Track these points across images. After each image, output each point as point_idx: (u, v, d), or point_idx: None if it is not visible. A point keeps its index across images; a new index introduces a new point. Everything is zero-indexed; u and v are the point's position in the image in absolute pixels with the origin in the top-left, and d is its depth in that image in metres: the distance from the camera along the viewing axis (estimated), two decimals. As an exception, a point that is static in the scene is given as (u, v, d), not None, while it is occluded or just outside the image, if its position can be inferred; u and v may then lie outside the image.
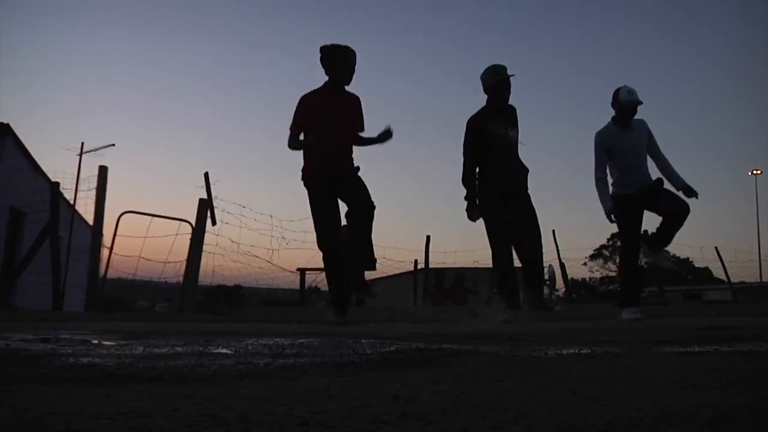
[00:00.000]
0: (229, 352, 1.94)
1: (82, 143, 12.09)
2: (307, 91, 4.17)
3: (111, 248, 8.31)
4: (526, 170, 4.48)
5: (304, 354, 1.86)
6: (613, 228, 4.66)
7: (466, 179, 4.36)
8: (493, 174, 4.32)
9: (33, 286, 9.26)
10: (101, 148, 11.88)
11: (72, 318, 5.22)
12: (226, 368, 1.49)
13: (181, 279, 8.11)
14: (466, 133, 4.36)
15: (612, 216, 4.54)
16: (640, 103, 4.51)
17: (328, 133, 4.05)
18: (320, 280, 10.79)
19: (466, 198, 4.36)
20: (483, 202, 4.35)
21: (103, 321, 4.83)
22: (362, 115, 4.26)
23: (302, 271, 10.49)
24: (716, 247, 12.28)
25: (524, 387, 1.16)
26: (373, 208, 4.11)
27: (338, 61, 4.07)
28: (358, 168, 4.20)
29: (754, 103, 61.41)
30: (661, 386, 1.15)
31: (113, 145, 11.99)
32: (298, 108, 4.15)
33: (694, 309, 6.41)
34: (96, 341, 2.47)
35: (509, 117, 4.40)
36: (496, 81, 4.32)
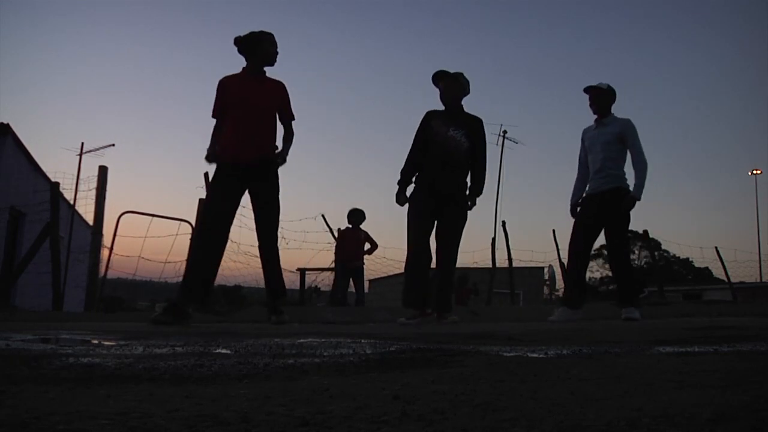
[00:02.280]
0: (229, 352, 1.94)
1: (82, 143, 12.14)
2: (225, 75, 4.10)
3: (111, 248, 8.31)
4: (463, 180, 4.40)
5: (304, 354, 1.86)
6: None
7: (404, 166, 4.42)
8: (426, 169, 4.35)
9: (33, 286, 9.26)
10: (101, 148, 11.92)
11: (72, 318, 5.22)
12: (226, 368, 1.49)
13: (181, 279, 8.10)
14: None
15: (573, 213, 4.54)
16: (591, 87, 4.45)
17: (246, 116, 3.96)
18: (320, 280, 10.80)
19: (397, 183, 4.42)
20: (413, 193, 4.40)
21: (103, 321, 4.83)
22: (289, 102, 4.16)
23: (302, 271, 10.50)
24: (716, 247, 12.33)
25: (524, 387, 1.15)
26: (276, 244, 4.08)
27: (265, 43, 4.02)
28: (275, 155, 4.06)
29: (754, 103, 61.40)
30: (661, 386, 1.15)
31: (113, 145, 12.04)
32: (217, 91, 4.07)
33: (694, 309, 6.40)
34: (96, 341, 2.47)
35: (462, 122, 4.36)
36: (432, 80, 4.41)
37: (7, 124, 10.97)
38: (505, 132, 17.48)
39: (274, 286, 4.14)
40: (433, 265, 4.37)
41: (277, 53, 4.09)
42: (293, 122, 4.19)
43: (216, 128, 4.09)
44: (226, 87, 4.05)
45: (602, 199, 4.39)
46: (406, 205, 4.40)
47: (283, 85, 4.14)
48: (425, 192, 4.33)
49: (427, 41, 71.81)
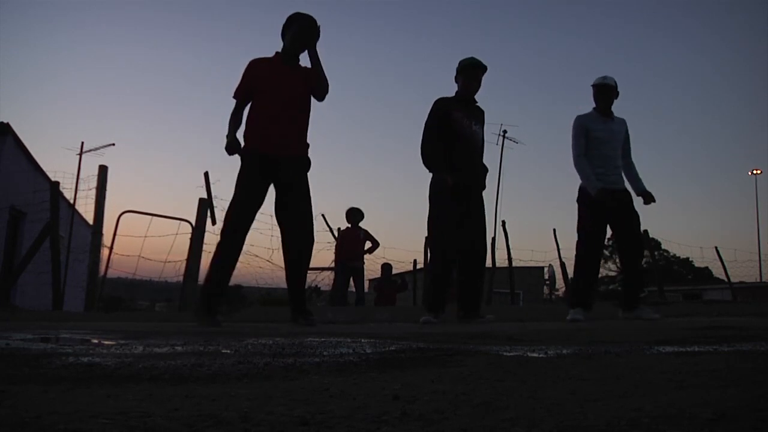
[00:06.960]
0: (229, 352, 1.94)
1: (82, 143, 12.11)
2: (256, 57, 3.81)
3: (111, 248, 8.32)
4: (486, 169, 4.42)
5: (304, 354, 1.86)
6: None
7: (432, 155, 4.14)
8: (454, 162, 4.13)
9: (33, 286, 9.26)
10: (101, 147, 11.91)
11: (72, 318, 5.22)
12: (226, 368, 1.49)
13: (181, 279, 8.12)
14: (430, 113, 4.22)
15: (601, 195, 4.28)
16: (611, 85, 4.46)
17: (274, 106, 3.67)
18: (320, 279, 10.79)
19: (431, 170, 4.14)
20: (437, 191, 4.16)
21: (102, 321, 4.83)
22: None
23: (302, 271, 10.47)
24: (716, 247, 12.33)
25: (524, 387, 1.15)
26: (311, 243, 3.75)
27: (297, 28, 3.72)
28: (306, 151, 3.79)
29: (754, 103, 61.42)
30: (661, 386, 1.15)
31: (113, 145, 12.02)
32: (245, 72, 3.77)
33: (694, 309, 6.40)
34: (96, 341, 2.47)
35: (475, 112, 4.31)
36: (465, 66, 4.26)
37: (7, 124, 10.97)
38: (505, 132, 17.45)
39: (301, 287, 3.87)
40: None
41: (307, 43, 3.71)
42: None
43: (235, 112, 3.78)
44: (256, 70, 3.76)
45: (623, 197, 4.42)
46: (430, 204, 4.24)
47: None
48: (451, 191, 4.09)
49: (427, 41, 71.83)
